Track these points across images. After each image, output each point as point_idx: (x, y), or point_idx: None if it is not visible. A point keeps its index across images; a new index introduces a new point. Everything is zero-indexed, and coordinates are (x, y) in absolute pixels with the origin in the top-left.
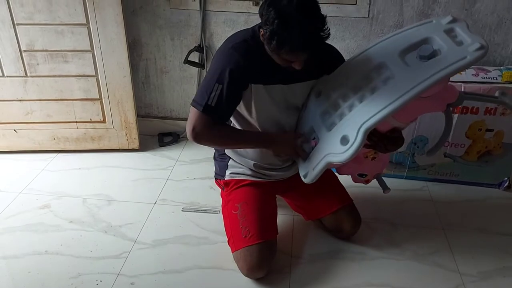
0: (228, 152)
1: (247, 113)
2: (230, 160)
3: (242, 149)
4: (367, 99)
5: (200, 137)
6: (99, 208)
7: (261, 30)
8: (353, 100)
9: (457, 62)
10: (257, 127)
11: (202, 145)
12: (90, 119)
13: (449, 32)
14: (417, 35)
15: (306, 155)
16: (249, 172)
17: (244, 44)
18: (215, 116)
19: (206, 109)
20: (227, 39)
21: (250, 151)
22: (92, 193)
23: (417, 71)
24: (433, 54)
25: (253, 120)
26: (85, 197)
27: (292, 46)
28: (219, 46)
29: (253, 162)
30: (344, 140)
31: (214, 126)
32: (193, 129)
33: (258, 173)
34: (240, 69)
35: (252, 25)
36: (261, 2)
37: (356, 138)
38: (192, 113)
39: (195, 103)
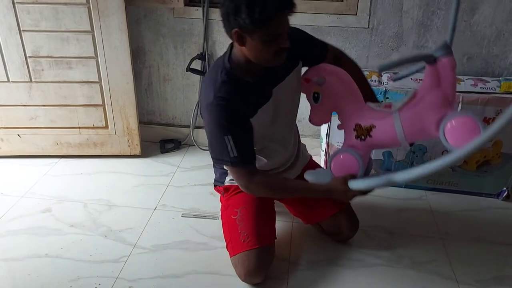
0: None
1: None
2: None
3: None
4: None
5: (253, 188)
6: (99, 213)
7: (232, 31)
8: None
9: None
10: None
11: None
12: (93, 125)
13: None
14: None
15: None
16: None
17: (224, 87)
18: (247, 163)
19: (235, 163)
20: (202, 87)
21: None
22: (93, 198)
23: None
24: None
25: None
26: (86, 201)
27: (265, 7)
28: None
29: None
30: None
31: (256, 174)
32: (244, 186)
33: None
34: (234, 112)
35: None
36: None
37: None
38: (230, 171)
39: (222, 162)
